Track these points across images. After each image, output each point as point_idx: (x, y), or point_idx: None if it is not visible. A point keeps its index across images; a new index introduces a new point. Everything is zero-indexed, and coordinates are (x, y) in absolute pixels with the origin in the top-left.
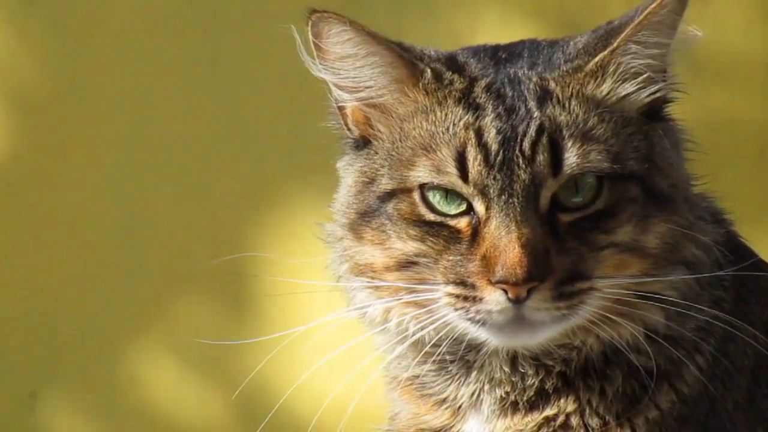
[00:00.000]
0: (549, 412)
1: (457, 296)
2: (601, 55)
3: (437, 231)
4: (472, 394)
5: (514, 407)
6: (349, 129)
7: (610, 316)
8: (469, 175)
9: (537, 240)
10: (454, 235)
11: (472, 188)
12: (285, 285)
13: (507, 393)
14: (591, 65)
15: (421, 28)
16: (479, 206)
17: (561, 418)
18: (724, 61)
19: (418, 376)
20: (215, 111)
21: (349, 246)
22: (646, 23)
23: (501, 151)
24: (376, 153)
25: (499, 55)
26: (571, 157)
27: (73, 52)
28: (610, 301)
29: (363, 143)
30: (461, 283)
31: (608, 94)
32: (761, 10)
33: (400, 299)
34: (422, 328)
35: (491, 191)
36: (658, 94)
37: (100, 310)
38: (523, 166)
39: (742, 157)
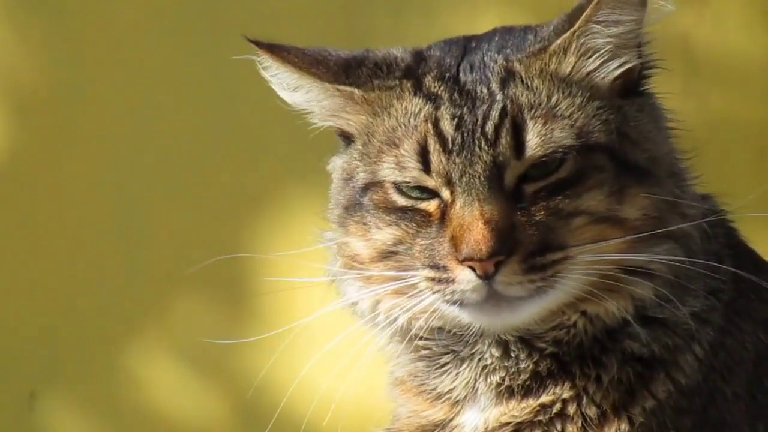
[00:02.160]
0: (545, 398)
1: (433, 279)
2: (563, 37)
3: (410, 216)
4: (467, 384)
5: (510, 392)
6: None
7: (596, 291)
8: (431, 165)
9: (501, 215)
10: (425, 218)
11: (435, 178)
12: (283, 282)
13: (502, 378)
14: (554, 46)
15: (420, 28)
16: (445, 192)
17: (558, 406)
18: (723, 61)
19: (414, 374)
20: (215, 111)
21: (339, 239)
22: (604, 3)
23: (459, 136)
24: (353, 150)
25: (469, 45)
26: (534, 138)
27: (73, 52)
28: (596, 276)
29: (348, 139)
30: (435, 266)
31: (572, 70)
32: (761, 11)
33: (386, 288)
34: (408, 316)
35: (453, 176)
36: (626, 67)
37: (100, 310)
38: (486, 148)
39: (742, 157)
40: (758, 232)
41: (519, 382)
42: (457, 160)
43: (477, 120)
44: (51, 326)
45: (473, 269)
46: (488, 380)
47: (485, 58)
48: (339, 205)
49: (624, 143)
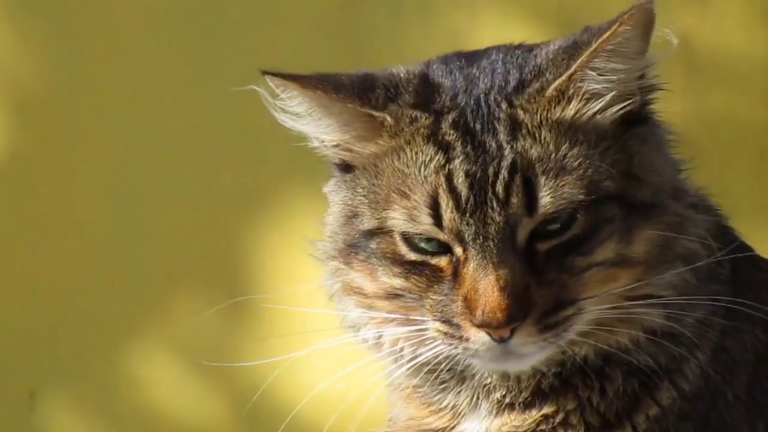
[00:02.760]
0: (547, 409)
1: (445, 333)
2: (559, 80)
3: (420, 270)
4: (471, 400)
5: (512, 407)
6: (329, 155)
7: (606, 325)
8: (443, 221)
9: (516, 278)
10: (436, 273)
11: (447, 234)
12: (284, 285)
13: (503, 396)
14: (551, 90)
15: (420, 27)
16: (457, 248)
17: (560, 416)
18: (724, 61)
19: (415, 385)
20: (215, 110)
21: (340, 268)
22: (601, 50)
23: (471, 196)
24: (357, 185)
25: (472, 73)
26: (546, 197)
27: (73, 52)
28: (604, 312)
29: (346, 167)
30: (447, 322)
31: (576, 115)
32: (761, 10)
33: (392, 325)
34: (415, 352)
35: (466, 236)
36: (629, 108)
37: (100, 310)
38: (498, 208)
39: (742, 157)
40: (759, 231)
41: (521, 399)
42: (471, 221)
43: (488, 178)
44: (51, 326)
45: (488, 333)
46: (490, 397)
47: (490, 101)
48: (340, 239)
49: (631, 184)
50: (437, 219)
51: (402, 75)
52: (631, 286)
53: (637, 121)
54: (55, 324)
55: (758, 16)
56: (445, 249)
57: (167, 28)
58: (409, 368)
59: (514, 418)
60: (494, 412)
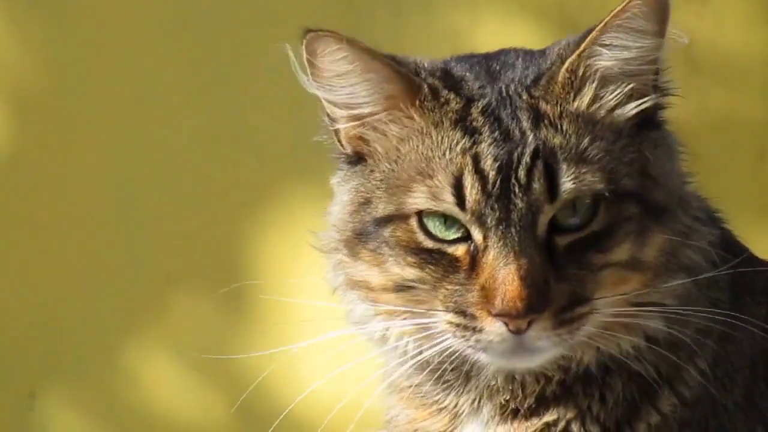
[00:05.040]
0: (549, 418)
1: (458, 325)
2: (570, 59)
3: (436, 259)
4: (473, 402)
5: (515, 414)
6: (342, 145)
7: (610, 330)
8: (467, 202)
9: (536, 270)
10: (452, 263)
11: (469, 216)
12: (284, 286)
13: (506, 400)
14: (563, 72)
15: (420, 27)
16: (477, 234)
17: (562, 424)
18: (723, 61)
19: (417, 384)
20: (215, 110)
21: (344, 260)
22: (611, 26)
23: (498, 180)
24: (372, 172)
25: (492, 68)
26: (567, 183)
27: (73, 52)
28: (610, 316)
29: (357, 159)
30: (461, 312)
31: (593, 104)
32: (761, 10)
33: (399, 321)
34: (422, 350)
35: (489, 220)
36: (648, 104)
37: (100, 310)
38: (520, 194)
39: (741, 157)
40: (758, 231)
41: (525, 405)
42: (495, 206)
43: (512, 164)
44: (50, 326)
45: (505, 323)
46: (493, 401)
47: (512, 92)
48: (349, 227)
49: (648, 184)
50: (460, 199)
51: (427, 65)
52: (638, 291)
53: (650, 125)
54: (55, 324)
55: (758, 16)
56: (463, 237)
57: (167, 27)
58: (413, 365)
59: (516, 427)
60: (497, 417)
